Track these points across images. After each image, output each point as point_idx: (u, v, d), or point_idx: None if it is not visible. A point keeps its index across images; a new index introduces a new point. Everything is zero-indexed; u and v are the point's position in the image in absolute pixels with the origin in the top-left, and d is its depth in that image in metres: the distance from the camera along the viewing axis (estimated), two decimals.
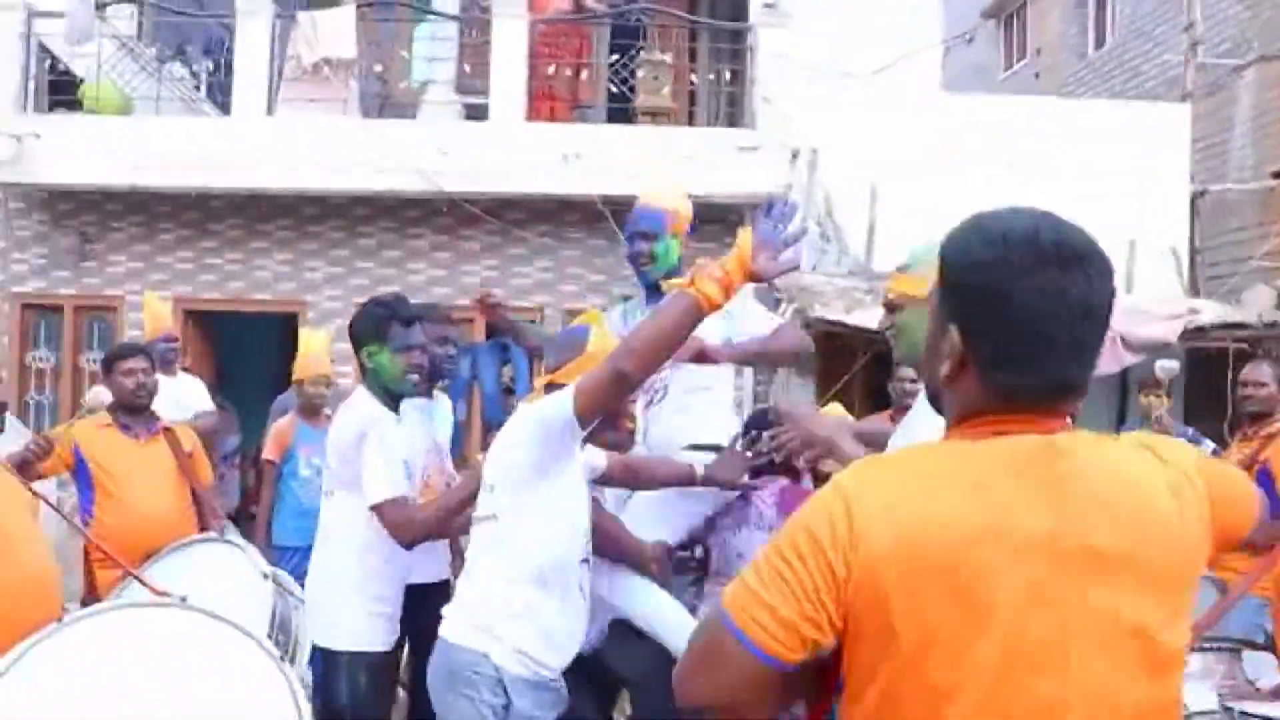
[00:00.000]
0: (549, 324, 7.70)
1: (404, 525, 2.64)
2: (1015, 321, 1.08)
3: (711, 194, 7.20)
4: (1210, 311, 7.03)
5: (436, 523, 2.70)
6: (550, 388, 2.36)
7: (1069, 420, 1.13)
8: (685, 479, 2.80)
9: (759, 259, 2.04)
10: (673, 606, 2.74)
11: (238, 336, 8.08)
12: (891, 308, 2.25)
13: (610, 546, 2.64)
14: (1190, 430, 6.04)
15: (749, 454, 2.82)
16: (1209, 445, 5.62)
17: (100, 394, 4.21)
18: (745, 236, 2.06)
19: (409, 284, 7.92)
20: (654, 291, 2.97)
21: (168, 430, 3.88)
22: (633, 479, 2.71)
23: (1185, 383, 7.23)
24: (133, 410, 3.84)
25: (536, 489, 2.23)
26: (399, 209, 7.93)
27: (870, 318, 5.68)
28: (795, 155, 7.57)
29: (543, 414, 2.23)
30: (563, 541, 2.28)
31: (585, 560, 2.35)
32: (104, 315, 8.12)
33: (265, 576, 2.98)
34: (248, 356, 8.16)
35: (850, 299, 7.19)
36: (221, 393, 8.58)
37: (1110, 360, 6.63)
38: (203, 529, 3.70)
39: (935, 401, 1.17)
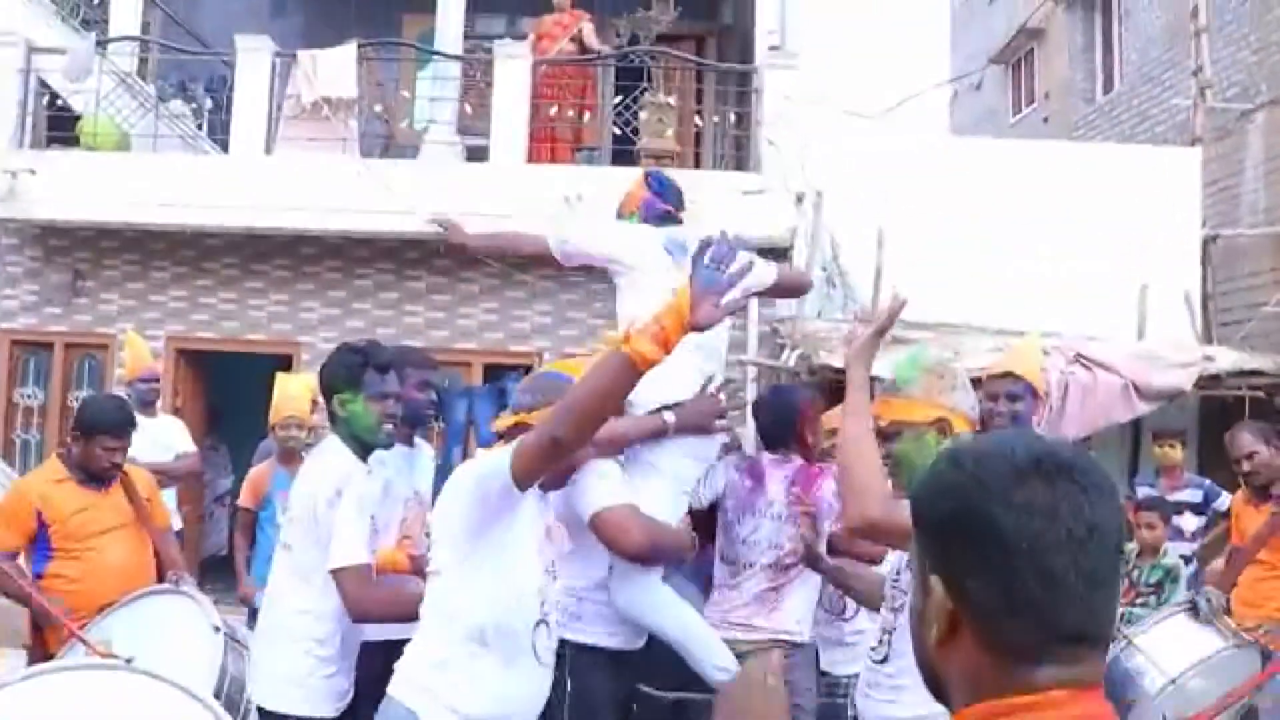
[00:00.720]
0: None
1: (359, 600, 2.56)
2: (1005, 555, 0.86)
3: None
4: (1225, 358, 6.98)
5: (392, 608, 2.60)
6: (516, 430, 2.31)
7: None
8: (657, 432, 2.74)
9: (699, 309, 1.94)
10: (697, 622, 2.74)
11: (231, 377, 8.07)
12: (885, 436, 2.15)
13: (665, 548, 2.62)
14: (1206, 482, 6.00)
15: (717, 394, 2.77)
16: (1226, 497, 5.57)
17: None
18: (683, 287, 1.97)
19: (406, 326, 7.92)
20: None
21: (124, 475, 3.76)
22: (604, 446, 2.58)
23: (1199, 432, 7.19)
24: (95, 478, 3.68)
25: (475, 547, 2.18)
26: (397, 250, 7.96)
27: (879, 367, 5.56)
28: (801, 198, 7.59)
29: (481, 473, 2.18)
30: (505, 604, 2.21)
31: (542, 622, 2.28)
32: (95, 354, 8.13)
33: (216, 630, 2.92)
34: (241, 398, 8.14)
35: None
36: (215, 434, 8.66)
37: (1123, 409, 6.60)
38: (160, 578, 3.61)
39: (932, 684, 0.95)
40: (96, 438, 3.60)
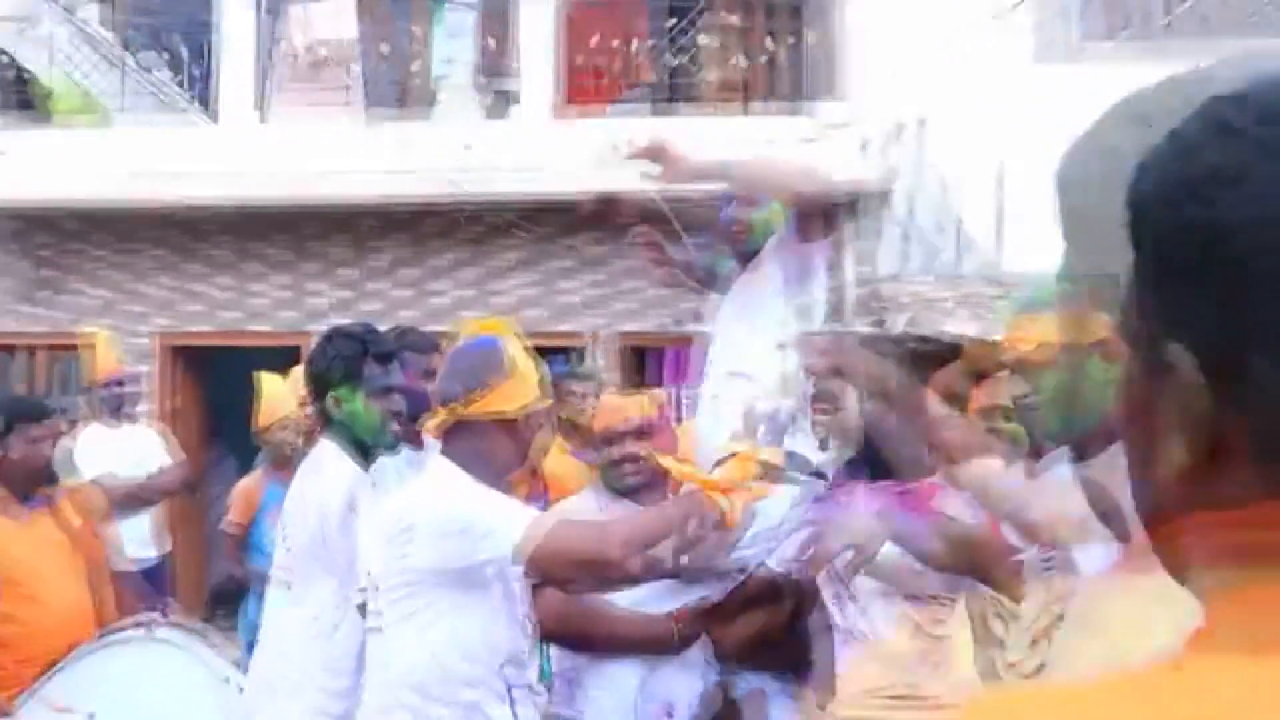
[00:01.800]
0: (604, 350, 7.37)
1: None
2: None
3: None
4: None
5: None
6: (457, 430, 2.18)
7: None
8: (658, 643, 2.47)
9: None
10: None
11: (233, 375, 7.86)
12: (1023, 368, 1.92)
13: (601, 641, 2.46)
14: None
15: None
16: None
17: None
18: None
19: (431, 308, 7.77)
20: (748, 261, 2.94)
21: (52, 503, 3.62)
22: (578, 636, 2.44)
23: None
24: (26, 482, 3.56)
25: (435, 598, 2.12)
26: (416, 220, 7.82)
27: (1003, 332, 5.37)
28: (900, 131, 7.29)
29: (470, 525, 2.06)
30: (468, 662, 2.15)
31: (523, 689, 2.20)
32: (69, 356, 7.93)
33: (226, 680, 2.84)
34: (247, 398, 7.98)
35: (976, 307, 6.77)
36: (218, 442, 8.51)
37: None
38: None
39: (1156, 531, 0.60)
40: (18, 429, 3.49)
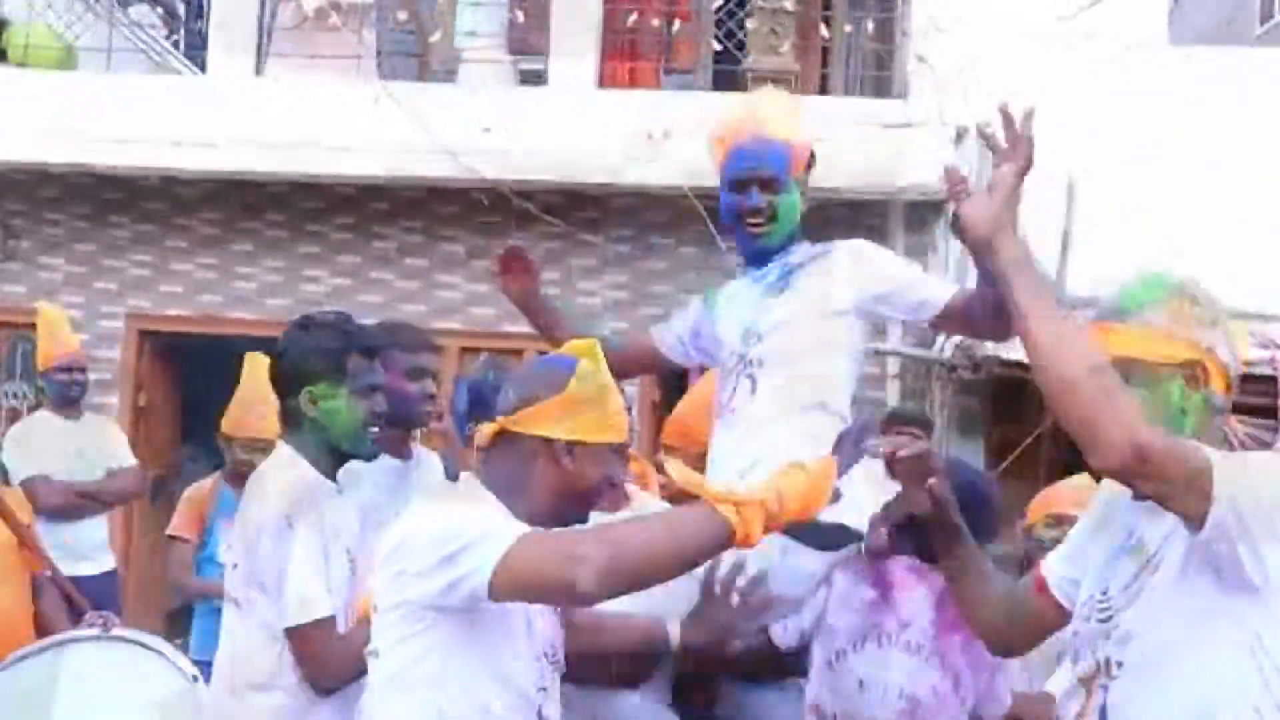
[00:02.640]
0: None
1: (323, 661, 2.50)
2: None
3: (849, 186, 6.95)
4: None
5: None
6: (500, 438, 2.17)
7: None
8: (653, 643, 2.52)
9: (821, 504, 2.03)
10: None
11: (212, 367, 7.83)
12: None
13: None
14: None
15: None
16: None
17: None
18: (822, 467, 2.05)
19: (439, 302, 7.78)
20: (758, 262, 2.84)
21: None
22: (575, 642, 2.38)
23: None
24: None
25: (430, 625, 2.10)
26: (428, 202, 7.82)
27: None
28: (961, 135, 7.29)
29: (450, 550, 2.03)
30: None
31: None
32: (29, 335, 7.88)
33: (195, 679, 2.93)
34: (227, 394, 7.94)
35: None
36: (191, 442, 8.47)
37: None
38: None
39: None
40: None
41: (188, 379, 8.28)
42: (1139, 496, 1.85)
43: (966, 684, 2.61)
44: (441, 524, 2.05)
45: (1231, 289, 8.16)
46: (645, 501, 3.00)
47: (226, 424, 4.76)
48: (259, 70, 7.73)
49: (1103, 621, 1.89)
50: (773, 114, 2.81)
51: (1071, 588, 2.04)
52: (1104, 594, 1.90)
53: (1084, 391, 1.76)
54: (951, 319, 2.74)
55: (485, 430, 2.20)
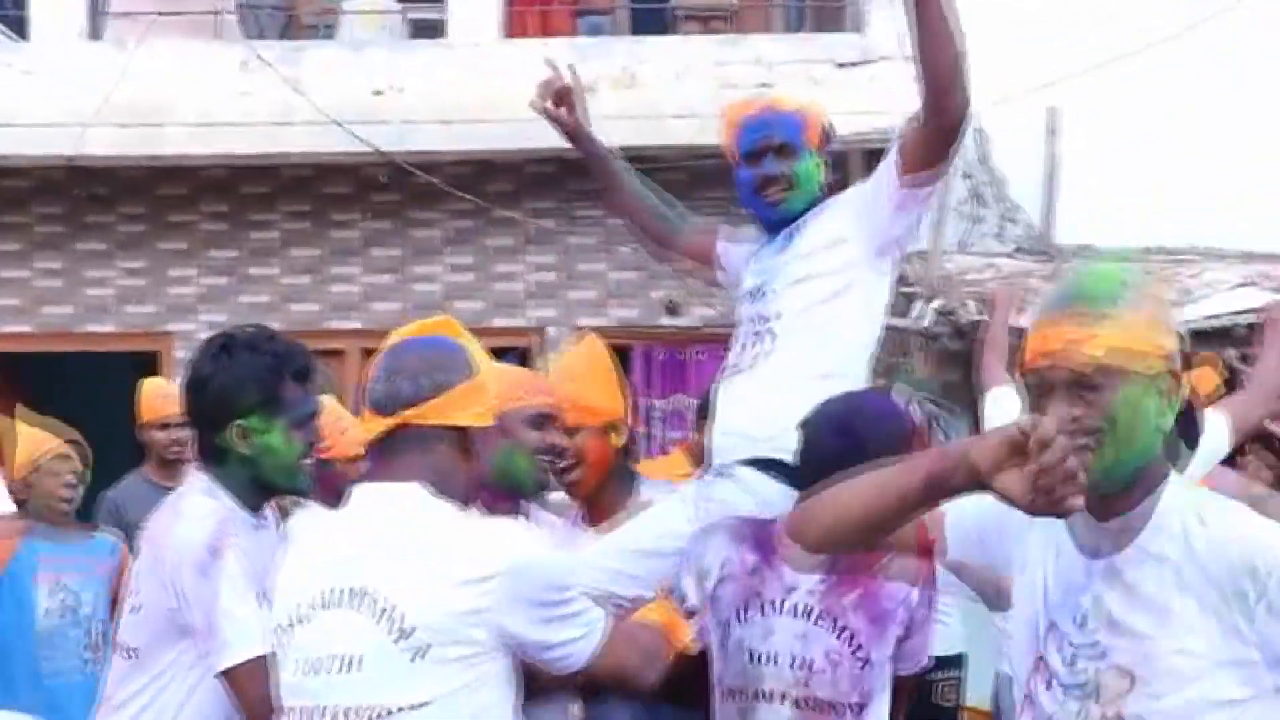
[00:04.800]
0: (553, 348, 7.46)
1: (263, 701, 2.48)
2: None
3: None
4: None
5: None
6: (400, 434, 2.24)
7: None
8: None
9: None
10: None
11: (63, 392, 7.76)
12: (1086, 385, 1.88)
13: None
14: None
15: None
16: None
17: None
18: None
19: (335, 298, 7.80)
20: (779, 229, 3.07)
21: None
22: None
23: None
24: None
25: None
26: (313, 183, 7.83)
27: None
28: None
29: (560, 613, 2.23)
30: None
31: None
32: None
33: None
34: (86, 420, 7.88)
35: (1022, 289, 6.99)
36: None
37: None
38: None
39: None
40: None
41: (40, 404, 8.16)
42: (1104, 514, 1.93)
43: (866, 643, 2.74)
44: (511, 553, 2.17)
45: (1238, 228, 8.37)
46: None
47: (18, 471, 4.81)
48: (94, 33, 7.66)
49: (1090, 657, 1.96)
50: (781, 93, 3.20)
51: (970, 551, 2.15)
52: (1081, 622, 1.94)
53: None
54: (917, 121, 2.98)
55: (374, 426, 2.27)
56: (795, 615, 2.73)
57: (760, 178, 3.01)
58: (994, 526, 2.06)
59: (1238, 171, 7.31)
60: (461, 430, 2.27)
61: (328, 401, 4.89)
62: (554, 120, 3.37)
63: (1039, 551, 2.01)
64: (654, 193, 3.62)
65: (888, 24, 7.25)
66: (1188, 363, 2.03)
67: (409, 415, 2.23)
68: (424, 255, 7.80)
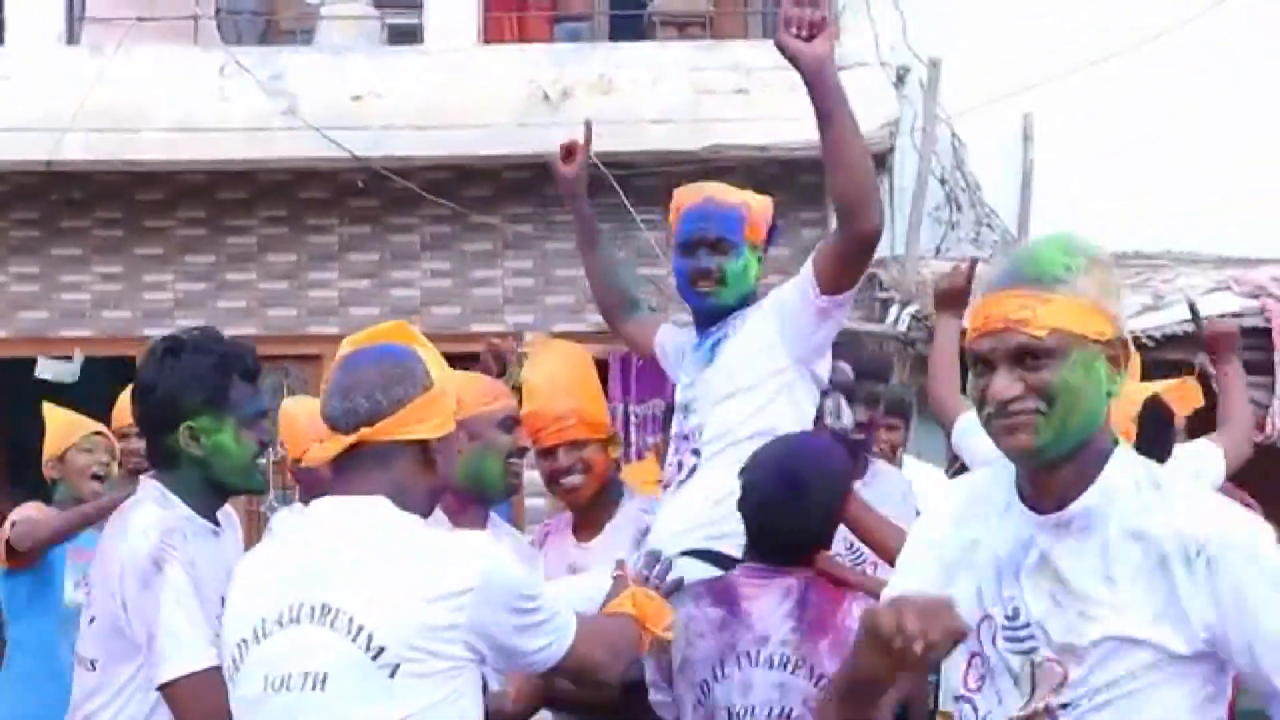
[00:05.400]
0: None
1: (206, 716, 2.52)
2: None
3: (780, 142, 7.08)
4: None
5: None
6: (358, 448, 2.22)
7: None
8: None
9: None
10: None
11: (45, 395, 7.71)
12: (1033, 354, 1.89)
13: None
14: None
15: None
16: None
17: None
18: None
19: (313, 303, 7.80)
20: (709, 323, 3.17)
21: None
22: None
23: None
24: None
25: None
26: (291, 188, 7.84)
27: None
28: (903, 76, 7.52)
29: (534, 620, 2.27)
30: None
31: None
32: None
33: None
34: None
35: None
36: (20, 485, 8.32)
37: None
38: None
39: None
40: None
41: (11, 413, 8.12)
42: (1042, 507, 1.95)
43: None
44: (481, 565, 2.17)
45: (1211, 233, 8.45)
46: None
47: (48, 453, 4.96)
48: (71, 38, 7.63)
49: (1022, 652, 1.97)
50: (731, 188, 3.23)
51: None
52: (1014, 614, 1.95)
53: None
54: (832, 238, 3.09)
55: (332, 446, 2.24)
56: (772, 666, 2.75)
57: (693, 270, 3.11)
58: (932, 574, 2.07)
59: (1212, 176, 7.31)
60: (422, 443, 2.25)
61: (310, 415, 4.96)
62: (560, 174, 3.49)
63: (964, 554, 2.01)
64: (623, 270, 3.80)
65: (863, 30, 7.32)
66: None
67: (367, 434, 2.21)
68: (402, 260, 7.80)
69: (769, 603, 2.77)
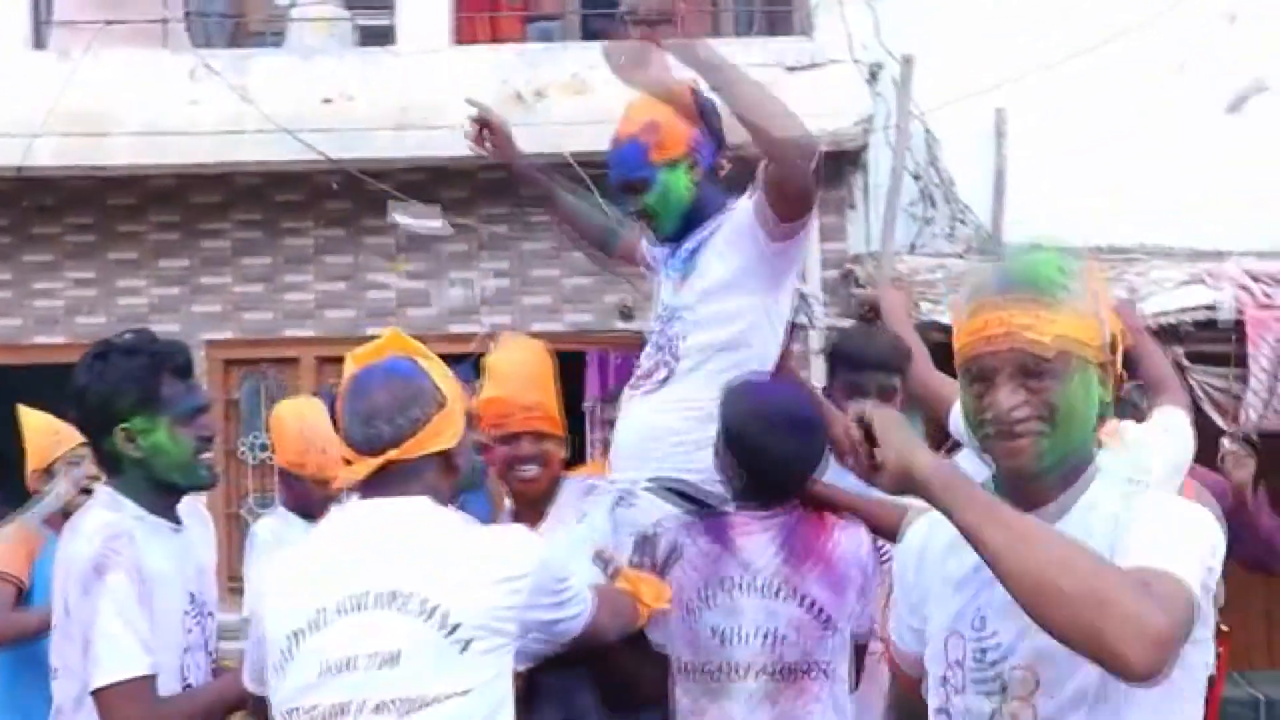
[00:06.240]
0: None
1: None
2: None
3: (746, 138, 6.99)
4: None
5: None
6: (387, 473, 2.38)
7: None
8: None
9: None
10: None
11: (21, 402, 7.69)
12: (1036, 368, 1.85)
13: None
14: None
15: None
16: None
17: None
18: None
19: (289, 306, 7.81)
20: (674, 242, 3.20)
21: None
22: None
23: None
24: None
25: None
26: (265, 191, 7.84)
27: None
28: (875, 73, 7.54)
29: (563, 592, 2.45)
30: None
31: None
32: None
33: None
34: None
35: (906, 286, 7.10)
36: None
37: None
38: None
39: None
40: None
41: None
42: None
43: (829, 610, 2.93)
44: (537, 554, 2.40)
45: (1184, 227, 8.49)
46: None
47: (32, 461, 4.86)
48: (38, 43, 7.61)
49: (991, 663, 1.96)
50: (636, 103, 3.24)
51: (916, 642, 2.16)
52: (980, 624, 1.96)
53: (1071, 598, 1.65)
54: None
55: (361, 469, 2.38)
56: (761, 593, 2.91)
57: (627, 214, 3.24)
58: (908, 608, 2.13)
59: (1184, 171, 7.35)
60: (443, 453, 2.42)
61: (300, 419, 4.94)
62: (486, 152, 3.62)
63: (937, 580, 2.04)
64: (589, 207, 3.86)
65: (836, 27, 7.34)
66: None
67: (393, 455, 2.37)
68: (377, 262, 7.81)
69: (760, 540, 2.94)
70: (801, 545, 2.93)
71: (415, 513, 2.37)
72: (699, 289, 3.11)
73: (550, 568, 2.40)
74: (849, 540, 2.98)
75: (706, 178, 3.17)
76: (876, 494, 2.82)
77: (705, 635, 2.93)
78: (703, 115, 3.17)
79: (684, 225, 3.14)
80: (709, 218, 3.15)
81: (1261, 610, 7.72)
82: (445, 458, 2.42)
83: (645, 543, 2.92)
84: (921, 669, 2.10)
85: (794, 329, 3.25)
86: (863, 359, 3.53)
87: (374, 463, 2.37)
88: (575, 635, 2.48)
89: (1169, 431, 3.32)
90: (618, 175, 3.15)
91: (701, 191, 3.14)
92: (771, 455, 2.91)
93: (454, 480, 2.47)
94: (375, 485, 2.39)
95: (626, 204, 3.18)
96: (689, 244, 3.15)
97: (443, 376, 2.47)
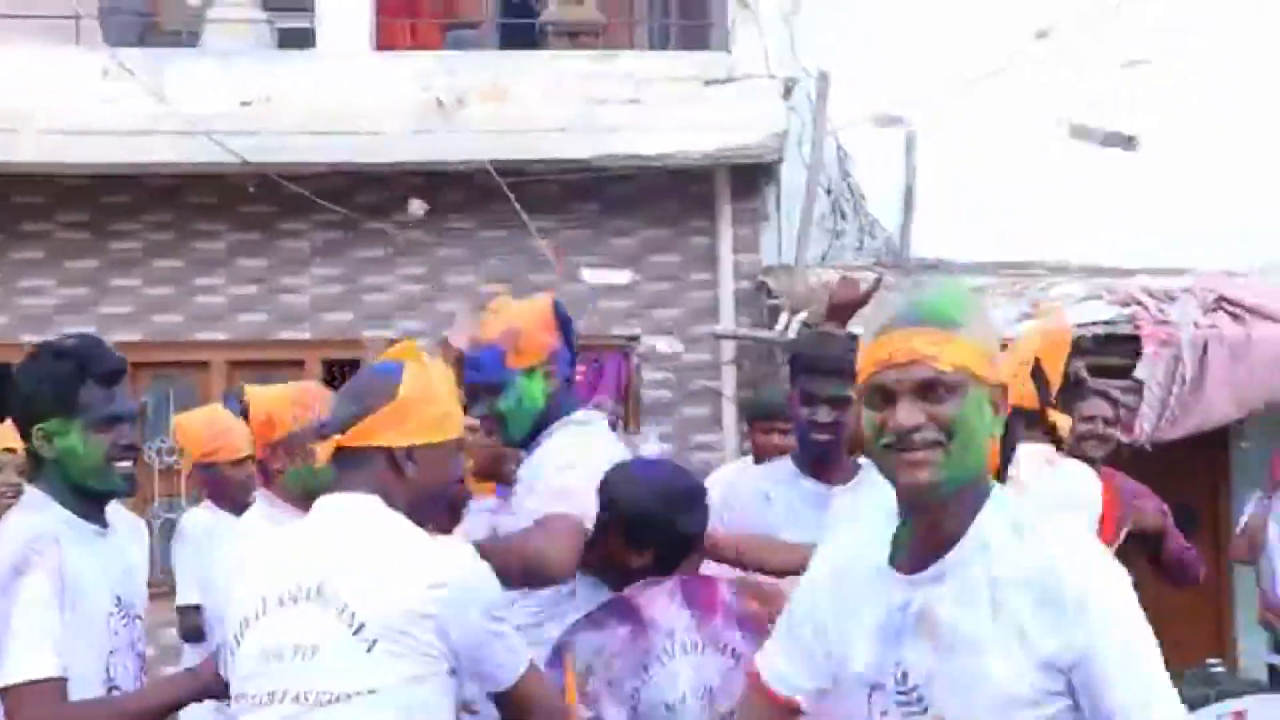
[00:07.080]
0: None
1: None
2: None
3: (668, 152, 7.22)
4: None
5: None
6: (340, 455, 2.44)
7: None
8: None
9: None
10: None
11: None
12: (936, 388, 2.00)
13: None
14: None
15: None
16: None
17: None
18: None
19: (197, 310, 7.75)
20: (520, 447, 3.20)
21: None
22: None
23: None
24: None
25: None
26: (178, 193, 7.78)
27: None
28: (790, 88, 7.62)
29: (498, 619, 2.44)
30: None
31: None
32: None
33: None
34: None
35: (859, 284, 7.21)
36: None
37: None
38: None
39: None
40: None
41: None
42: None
43: (748, 654, 2.91)
44: (469, 569, 2.37)
45: (1084, 244, 8.67)
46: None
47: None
48: None
49: (916, 714, 2.05)
50: (495, 307, 3.20)
51: (798, 677, 2.23)
52: (903, 679, 2.03)
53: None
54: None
55: (323, 449, 2.47)
56: (686, 652, 2.94)
57: (478, 416, 3.19)
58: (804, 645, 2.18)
59: (1086, 190, 7.51)
60: (389, 450, 2.43)
61: (207, 415, 4.90)
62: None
63: (838, 622, 2.10)
64: None
65: (753, 43, 7.45)
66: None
67: (341, 439, 2.43)
68: (292, 266, 7.77)
69: (662, 603, 2.96)
70: (702, 600, 2.98)
71: (358, 510, 2.40)
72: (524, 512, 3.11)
73: (476, 585, 2.38)
74: (738, 583, 3.08)
75: (561, 389, 3.17)
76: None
77: (660, 713, 2.92)
78: (561, 327, 3.16)
79: (533, 432, 3.14)
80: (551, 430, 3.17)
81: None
82: (392, 457, 2.42)
83: (557, 655, 2.90)
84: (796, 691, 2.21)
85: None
86: (815, 365, 3.37)
87: (328, 444, 2.44)
88: (505, 688, 2.45)
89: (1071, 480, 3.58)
90: (474, 378, 3.14)
91: (555, 401, 3.15)
92: (677, 528, 3.00)
93: (405, 489, 2.43)
94: (338, 470, 2.45)
95: (478, 406, 3.16)
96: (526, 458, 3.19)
97: (417, 380, 2.47)
